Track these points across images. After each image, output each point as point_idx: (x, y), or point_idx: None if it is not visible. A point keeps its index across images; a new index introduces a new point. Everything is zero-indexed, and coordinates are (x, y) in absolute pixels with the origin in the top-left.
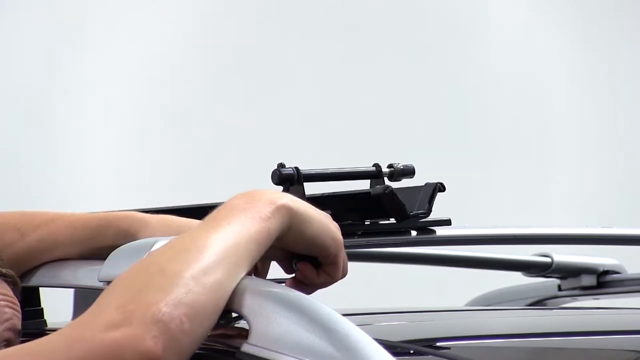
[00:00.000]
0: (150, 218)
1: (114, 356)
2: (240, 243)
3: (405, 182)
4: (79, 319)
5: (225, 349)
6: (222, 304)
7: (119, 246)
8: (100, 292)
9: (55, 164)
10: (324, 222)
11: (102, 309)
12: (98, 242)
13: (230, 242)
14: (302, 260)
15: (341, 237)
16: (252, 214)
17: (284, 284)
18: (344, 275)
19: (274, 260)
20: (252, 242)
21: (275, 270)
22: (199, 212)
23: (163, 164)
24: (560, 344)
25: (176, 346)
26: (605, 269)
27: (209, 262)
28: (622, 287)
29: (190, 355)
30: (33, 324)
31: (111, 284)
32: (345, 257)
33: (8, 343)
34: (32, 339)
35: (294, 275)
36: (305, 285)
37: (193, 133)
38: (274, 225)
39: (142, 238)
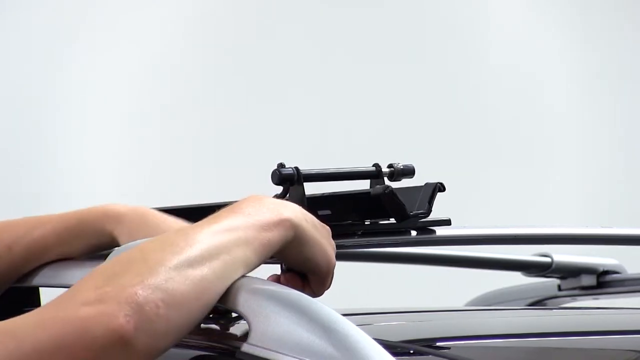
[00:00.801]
0: (124, 214)
1: (85, 332)
2: (234, 244)
3: (405, 182)
4: (55, 299)
5: (225, 349)
6: (206, 300)
7: (102, 244)
8: None
9: (55, 164)
10: (322, 245)
11: (79, 290)
12: (83, 243)
13: (223, 242)
14: (291, 271)
15: (335, 260)
16: (253, 220)
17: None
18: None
19: None
20: (249, 246)
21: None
22: (199, 212)
23: (163, 164)
24: (560, 344)
25: (150, 329)
26: (605, 269)
27: (196, 256)
28: (622, 287)
29: (169, 345)
30: None
31: (94, 269)
32: (333, 276)
33: None
34: None
35: (279, 274)
36: None
37: (193, 133)
38: (276, 237)
39: (117, 234)
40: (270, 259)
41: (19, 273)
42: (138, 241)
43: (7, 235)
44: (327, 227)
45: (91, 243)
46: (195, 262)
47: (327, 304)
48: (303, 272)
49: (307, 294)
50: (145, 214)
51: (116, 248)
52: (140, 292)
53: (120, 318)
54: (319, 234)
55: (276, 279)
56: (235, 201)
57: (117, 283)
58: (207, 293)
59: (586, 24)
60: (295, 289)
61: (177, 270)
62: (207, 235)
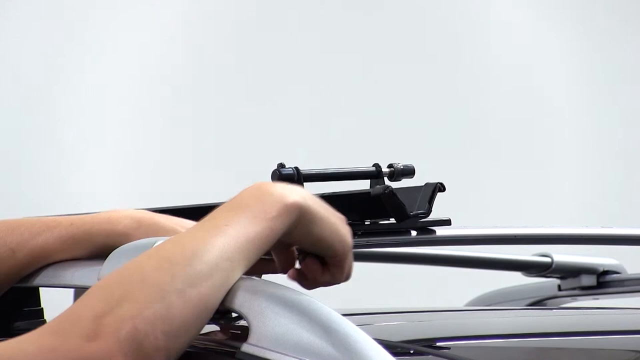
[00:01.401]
0: (132, 229)
1: None
2: (234, 248)
3: (405, 182)
4: (54, 324)
5: (225, 349)
6: (206, 317)
7: (107, 254)
8: None
9: (55, 165)
10: (334, 224)
11: (79, 318)
12: (87, 252)
13: (223, 248)
14: (310, 256)
15: (351, 241)
16: (257, 212)
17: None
18: (346, 278)
19: (273, 250)
20: (250, 244)
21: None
22: (199, 212)
23: (163, 164)
24: (560, 344)
25: None
26: (605, 269)
27: (197, 272)
28: (622, 287)
29: None
30: (33, 324)
31: (92, 288)
32: (352, 262)
33: None
34: None
35: (298, 266)
36: (307, 280)
37: (193, 133)
38: (278, 225)
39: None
40: (280, 244)
41: (20, 276)
42: (139, 241)
43: (11, 238)
44: (341, 215)
45: (95, 253)
46: (196, 280)
47: (327, 304)
48: (319, 255)
49: (326, 281)
50: (153, 227)
51: (116, 249)
52: (140, 325)
53: (119, 357)
54: (329, 214)
55: (295, 272)
56: None
57: (116, 313)
58: (208, 309)
59: (587, 24)
60: (314, 272)
61: (177, 293)
62: (208, 243)
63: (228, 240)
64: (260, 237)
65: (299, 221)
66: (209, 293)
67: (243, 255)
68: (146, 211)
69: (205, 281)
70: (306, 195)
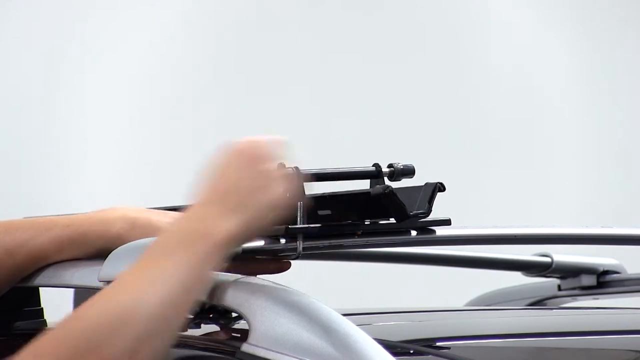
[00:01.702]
0: (127, 232)
1: None
2: (182, 293)
3: (405, 182)
4: None
5: (225, 349)
6: None
7: (104, 255)
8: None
9: (55, 165)
10: (270, 208)
11: None
12: (84, 253)
13: (170, 297)
14: None
15: (280, 190)
16: (188, 258)
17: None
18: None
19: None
20: (196, 283)
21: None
22: None
23: (163, 164)
24: (560, 344)
25: None
26: (605, 269)
27: (143, 332)
28: (622, 287)
29: None
30: (33, 324)
31: (28, 350)
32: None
33: None
34: (32, 339)
35: None
36: None
37: (193, 133)
38: (214, 261)
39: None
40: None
41: (19, 277)
42: (138, 241)
43: (9, 240)
44: (268, 169)
45: (92, 254)
46: (144, 339)
47: (327, 304)
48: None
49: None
50: (148, 227)
51: (116, 250)
52: None
53: None
54: (261, 203)
55: None
56: None
57: None
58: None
59: (587, 24)
60: None
61: (129, 356)
62: (156, 295)
63: (173, 284)
64: (198, 279)
65: (239, 242)
66: (159, 346)
67: (191, 297)
68: (141, 209)
69: (155, 337)
70: (236, 220)
